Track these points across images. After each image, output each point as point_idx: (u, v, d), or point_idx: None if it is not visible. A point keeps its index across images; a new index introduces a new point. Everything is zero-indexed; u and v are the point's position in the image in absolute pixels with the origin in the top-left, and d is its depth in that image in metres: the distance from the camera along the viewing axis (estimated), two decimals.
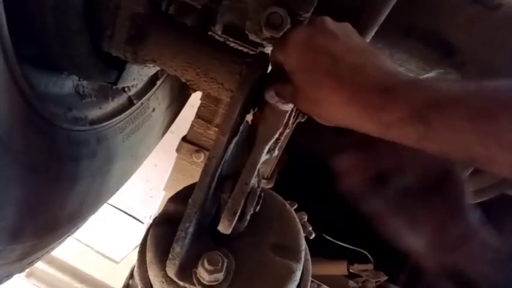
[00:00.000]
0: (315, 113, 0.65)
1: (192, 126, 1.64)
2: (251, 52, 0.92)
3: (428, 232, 0.67)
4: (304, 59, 0.63)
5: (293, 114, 0.78)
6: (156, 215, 0.89)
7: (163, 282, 0.74)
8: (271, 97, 0.72)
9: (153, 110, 1.31)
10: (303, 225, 0.98)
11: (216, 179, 0.76)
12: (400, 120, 0.53)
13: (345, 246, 2.04)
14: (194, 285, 0.71)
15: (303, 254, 0.84)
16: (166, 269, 0.73)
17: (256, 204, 0.79)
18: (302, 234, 0.88)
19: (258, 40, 0.78)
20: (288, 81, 0.67)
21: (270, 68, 0.79)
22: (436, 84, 0.56)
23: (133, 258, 0.84)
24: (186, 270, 0.72)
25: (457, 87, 0.53)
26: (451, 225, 0.66)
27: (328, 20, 0.65)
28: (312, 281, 0.89)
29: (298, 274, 0.80)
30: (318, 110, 0.63)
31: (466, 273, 0.64)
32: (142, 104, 1.23)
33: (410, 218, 0.68)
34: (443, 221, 0.66)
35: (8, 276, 0.94)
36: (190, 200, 0.73)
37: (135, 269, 0.82)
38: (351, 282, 2.05)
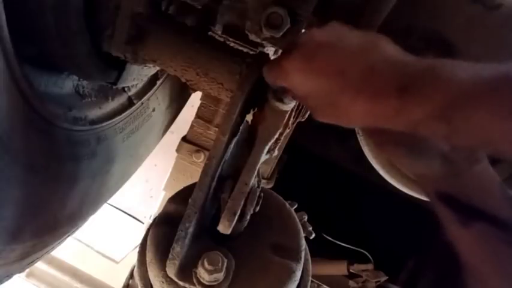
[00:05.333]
0: (337, 123, 0.62)
1: (192, 126, 1.64)
2: (251, 52, 0.92)
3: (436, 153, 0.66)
4: (310, 85, 0.60)
5: (293, 114, 0.78)
6: (156, 215, 0.89)
7: (163, 282, 0.74)
8: (289, 100, 0.71)
9: (153, 110, 1.31)
10: (303, 225, 0.98)
11: (216, 179, 0.76)
12: (425, 120, 0.51)
13: (345, 246, 2.04)
14: (194, 285, 0.71)
15: (303, 254, 0.84)
16: (166, 269, 0.73)
17: (256, 204, 0.79)
18: (302, 234, 0.88)
19: (258, 40, 0.78)
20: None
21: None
22: (455, 73, 0.51)
23: (133, 258, 0.85)
24: (186, 270, 0.72)
25: (478, 76, 0.49)
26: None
27: (315, 33, 0.62)
28: (312, 281, 0.89)
29: (298, 274, 0.80)
30: (340, 121, 0.61)
31: (468, 200, 0.63)
32: (142, 104, 1.23)
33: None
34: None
35: (8, 276, 0.94)
36: (190, 200, 0.72)
37: (135, 269, 0.82)
38: (351, 282, 2.05)
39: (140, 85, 1.21)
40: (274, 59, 0.67)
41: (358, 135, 1.14)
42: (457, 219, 0.63)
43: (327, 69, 0.58)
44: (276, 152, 0.83)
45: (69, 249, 2.52)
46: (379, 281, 2.01)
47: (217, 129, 1.56)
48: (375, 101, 0.55)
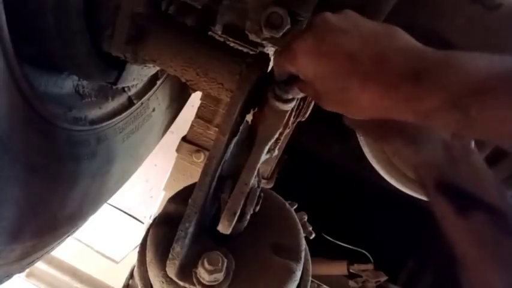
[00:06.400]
0: (346, 113, 0.61)
1: (192, 126, 1.64)
2: (251, 52, 0.92)
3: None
4: (320, 67, 0.58)
5: (293, 114, 0.78)
6: (156, 215, 0.89)
7: (163, 282, 0.74)
8: (297, 93, 0.69)
9: (153, 110, 1.31)
10: (303, 225, 0.98)
11: (216, 179, 0.76)
12: (437, 110, 0.49)
13: (345, 246, 2.04)
14: (194, 285, 0.71)
15: (303, 254, 0.84)
16: (167, 269, 0.73)
17: (256, 204, 0.79)
18: (302, 234, 0.88)
19: (258, 40, 0.78)
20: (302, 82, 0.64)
21: (270, 67, 0.79)
22: (470, 62, 0.49)
23: (133, 258, 0.85)
24: (186, 270, 0.72)
25: (497, 67, 0.47)
26: None
27: (329, 16, 0.59)
28: (312, 281, 0.89)
29: (298, 274, 0.80)
30: (349, 111, 0.59)
31: None
32: (142, 104, 1.23)
33: None
34: None
35: (8, 276, 0.94)
36: (190, 200, 0.72)
37: (135, 269, 0.82)
38: (351, 282, 2.05)
39: (140, 85, 1.21)
40: (286, 43, 0.64)
41: (358, 135, 1.14)
42: (455, 209, 0.61)
43: (337, 52, 0.56)
44: (276, 152, 0.83)
45: (69, 249, 2.52)
46: (379, 281, 2.01)
47: (217, 129, 1.57)
48: (386, 87, 0.53)
